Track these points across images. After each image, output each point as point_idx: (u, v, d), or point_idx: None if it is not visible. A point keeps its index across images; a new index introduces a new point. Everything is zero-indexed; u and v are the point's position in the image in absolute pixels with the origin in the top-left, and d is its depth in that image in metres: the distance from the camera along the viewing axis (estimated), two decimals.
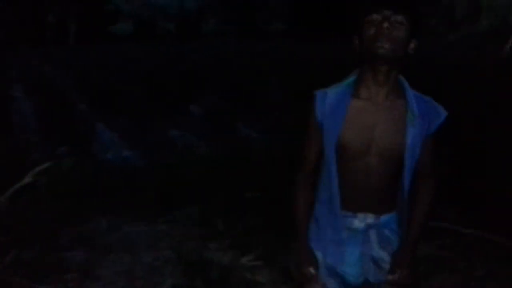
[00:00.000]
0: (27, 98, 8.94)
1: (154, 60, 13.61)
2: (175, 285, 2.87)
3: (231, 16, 25.12)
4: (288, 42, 17.78)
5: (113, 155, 5.66)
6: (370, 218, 1.64)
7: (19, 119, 7.37)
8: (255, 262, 3.07)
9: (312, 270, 1.69)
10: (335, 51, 12.19)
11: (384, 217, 1.65)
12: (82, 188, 3.97)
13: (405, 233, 1.67)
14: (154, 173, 4.55)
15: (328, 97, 1.58)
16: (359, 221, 1.64)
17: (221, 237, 3.37)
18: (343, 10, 19.68)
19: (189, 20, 24.97)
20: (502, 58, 9.47)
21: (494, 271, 2.95)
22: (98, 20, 22.43)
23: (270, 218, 3.39)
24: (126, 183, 4.27)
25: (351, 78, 1.60)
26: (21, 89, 9.82)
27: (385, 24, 1.42)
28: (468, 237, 3.27)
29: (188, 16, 25.47)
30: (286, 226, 2.15)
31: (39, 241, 3.27)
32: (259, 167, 4.19)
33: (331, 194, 1.64)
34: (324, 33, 17.80)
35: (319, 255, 1.71)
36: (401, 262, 1.67)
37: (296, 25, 22.13)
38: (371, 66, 1.49)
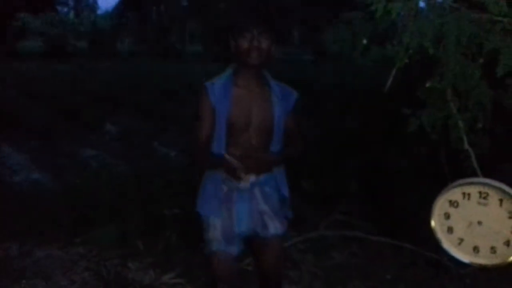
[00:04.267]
0: None
1: (64, 78, 13.08)
2: None
3: (145, 36, 24.83)
4: (202, 63, 17.86)
5: (22, 178, 5.36)
6: (252, 178, 2.08)
7: None
8: (176, 280, 3.05)
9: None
10: None
11: (263, 177, 2.11)
12: None
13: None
14: (67, 195, 4.36)
15: (216, 86, 2.05)
16: (244, 182, 2.07)
17: (141, 256, 3.31)
18: None
19: (102, 39, 24.28)
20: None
21: (403, 274, 3.16)
22: (4, 38, 21.14)
23: (189, 236, 3.39)
24: (37, 206, 4.06)
25: (229, 71, 2.11)
26: None
27: (255, 43, 1.97)
28: (378, 244, 3.48)
29: (101, 35, 24.78)
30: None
31: None
32: (177, 185, 4.18)
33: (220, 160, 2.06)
34: None
35: (215, 221, 2.10)
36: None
37: (211, 47, 22.32)
38: (244, 68, 2.06)
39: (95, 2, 44.20)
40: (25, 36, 24.25)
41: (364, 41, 2.29)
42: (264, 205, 2.13)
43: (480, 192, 1.56)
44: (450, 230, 1.61)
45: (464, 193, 1.59)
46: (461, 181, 1.60)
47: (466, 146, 1.74)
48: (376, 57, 2.24)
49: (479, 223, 1.56)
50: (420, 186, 3.48)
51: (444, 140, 1.99)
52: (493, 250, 1.54)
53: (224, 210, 2.10)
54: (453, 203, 1.61)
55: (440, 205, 1.63)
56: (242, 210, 2.10)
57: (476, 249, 1.57)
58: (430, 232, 1.66)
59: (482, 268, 1.61)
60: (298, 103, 2.21)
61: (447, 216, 1.62)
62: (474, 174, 1.70)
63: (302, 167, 4.64)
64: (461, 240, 1.59)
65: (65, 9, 36.95)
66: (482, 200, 1.56)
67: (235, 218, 2.10)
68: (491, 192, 1.54)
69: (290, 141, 2.20)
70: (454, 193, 1.61)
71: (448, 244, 1.61)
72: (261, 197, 2.12)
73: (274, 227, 2.16)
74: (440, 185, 1.66)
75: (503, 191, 1.52)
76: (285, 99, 2.14)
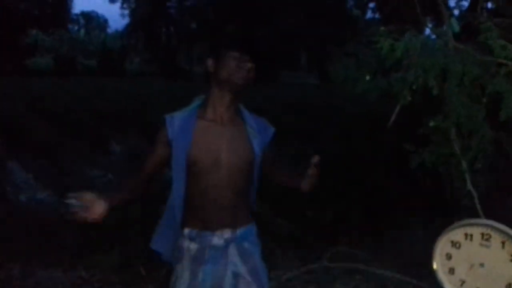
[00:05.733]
0: None
1: (73, 96, 13.21)
2: None
3: (154, 56, 25.12)
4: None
5: (27, 197, 5.39)
6: (227, 234, 1.76)
7: None
8: None
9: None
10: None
11: (240, 231, 1.80)
12: None
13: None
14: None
15: (176, 120, 1.76)
16: (218, 238, 1.75)
17: (143, 282, 3.31)
18: (258, 57, 20.48)
19: (111, 58, 24.60)
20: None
21: None
22: (15, 53, 21.43)
23: None
24: (41, 226, 4.08)
25: (196, 103, 1.83)
26: None
27: (242, 64, 1.74)
28: (382, 277, 3.46)
29: (110, 54, 25.10)
30: None
31: None
32: None
33: (175, 213, 1.78)
34: None
35: (185, 274, 1.76)
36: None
37: None
38: (222, 90, 1.77)
39: (106, 22, 44.86)
40: (35, 53, 24.57)
41: (368, 77, 2.33)
42: (242, 266, 1.77)
43: (482, 234, 1.57)
44: (451, 271, 1.62)
45: (466, 234, 1.60)
46: (463, 221, 1.61)
47: (469, 186, 1.76)
48: (379, 92, 2.27)
49: (481, 265, 1.57)
50: (426, 220, 3.48)
51: (449, 176, 2.01)
52: None
53: (191, 273, 1.76)
54: (455, 244, 1.61)
55: (442, 245, 1.63)
56: (209, 273, 1.75)
57: None
58: None
59: None
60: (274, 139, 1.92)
61: (449, 256, 1.62)
62: (477, 215, 1.72)
63: (306, 195, 4.65)
64: (463, 282, 1.60)
65: (76, 28, 37.53)
66: (484, 242, 1.56)
67: (200, 282, 1.74)
68: (493, 234, 1.55)
69: (271, 177, 1.95)
70: (456, 233, 1.61)
71: (449, 286, 1.61)
72: (238, 257, 1.77)
73: None
74: (445, 220, 1.66)
75: (506, 234, 1.52)
76: (262, 132, 1.86)
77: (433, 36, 2.30)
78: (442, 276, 1.63)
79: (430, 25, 2.40)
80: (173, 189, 1.78)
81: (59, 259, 3.57)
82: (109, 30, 41.08)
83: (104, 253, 3.58)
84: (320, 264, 3.56)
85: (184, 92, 14.86)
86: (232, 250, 1.77)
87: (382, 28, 2.22)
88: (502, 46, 1.70)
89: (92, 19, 44.00)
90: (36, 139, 7.87)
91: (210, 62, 1.79)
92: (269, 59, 20.97)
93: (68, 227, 4.01)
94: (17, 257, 3.55)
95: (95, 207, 1.67)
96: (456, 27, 2.17)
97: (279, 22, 19.68)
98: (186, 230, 1.78)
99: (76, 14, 40.16)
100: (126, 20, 28.32)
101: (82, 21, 42.62)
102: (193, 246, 1.76)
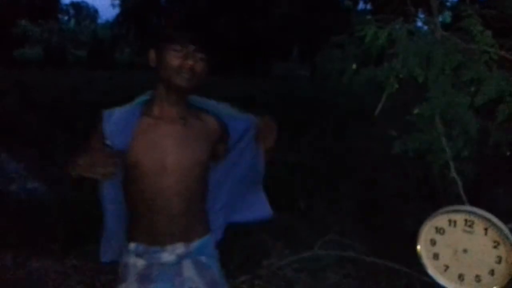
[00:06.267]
0: None
1: (63, 87, 13.14)
2: None
3: (144, 47, 24.95)
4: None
5: (18, 186, 5.38)
6: (179, 248, 1.53)
7: None
8: None
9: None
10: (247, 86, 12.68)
11: (195, 244, 1.56)
12: None
13: None
14: (63, 206, 4.39)
15: (115, 116, 1.52)
16: (169, 254, 1.52)
17: None
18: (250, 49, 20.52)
19: (101, 48, 24.44)
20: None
21: None
22: (3, 44, 21.23)
23: None
24: (33, 216, 4.09)
25: (142, 98, 1.58)
26: None
27: (190, 61, 1.47)
28: (372, 265, 3.50)
29: (101, 44, 24.94)
30: None
31: None
32: None
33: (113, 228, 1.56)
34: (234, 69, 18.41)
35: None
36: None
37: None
38: (166, 89, 1.52)
39: (96, 12, 44.47)
40: (24, 44, 24.37)
41: (354, 66, 2.35)
42: (199, 280, 1.56)
43: (466, 220, 1.60)
44: (435, 256, 1.65)
45: (450, 220, 1.62)
46: (447, 208, 1.64)
47: (453, 173, 1.79)
48: (365, 81, 2.29)
49: (465, 251, 1.60)
50: (415, 208, 3.52)
51: (435, 164, 2.03)
52: (478, 278, 1.57)
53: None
54: (439, 230, 1.65)
55: (427, 231, 1.66)
56: None
57: (461, 277, 1.60)
58: None
59: None
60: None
61: (433, 242, 1.66)
62: (461, 201, 1.75)
63: (297, 186, 4.69)
64: (447, 267, 1.63)
65: (66, 18, 37.15)
66: (467, 228, 1.59)
67: None
68: (476, 221, 1.57)
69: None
70: (440, 219, 1.64)
71: (433, 271, 1.65)
72: (194, 272, 1.55)
73: None
74: (435, 208, 1.69)
75: (489, 220, 1.55)
76: (232, 127, 1.64)
77: (425, 27, 2.32)
78: (426, 261, 1.66)
79: (421, 16, 2.42)
80: (104, 195, 1.54)
81: (51, 249, 3.59)
82: (100, 21, 40.79)
83: (96, 242, 3.59)
84: (311, 252, 3.60)
85: None
86: (187, 265, 1.55)
87: (368, 17, 2.23)
88: (481, 32, 1.73)
89: (82, 9, 43.56)
90: (26, 129, 7.84)
91: (151, 55, 1.55)
92: (263, 51, 20.97)
93: (60, 216, 4.03)
94: (9, 247, 3.57)
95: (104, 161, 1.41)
96: (448, 18, 2.19)
97: (274, 13, 19.63)
98: (132, 245, 1.55)
99: (66, 4, 39.78)
100: (116, 10, 28.20)
101: (72, 11, 42.18)
102: (141, 262, 1.54)
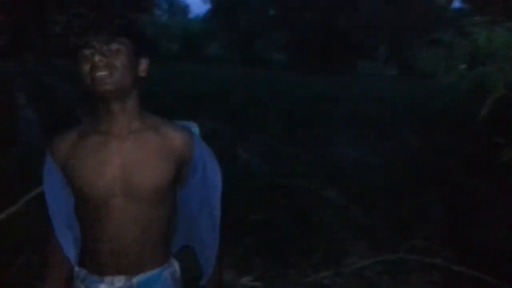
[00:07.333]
0: (31, 107, 9.06)
1: (155, 80, 13.77)
2: None
3: (233, 42, 25.52)
4: (287, 73, 18.08)
5: None
6: (119, 282, 1.34)
7: (25, 127, 7.46)
8: (254, 283, 3.16)
9: None
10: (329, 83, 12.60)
11: (139, 278, 1.35)
12: None
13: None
14: None
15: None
16: (106, 286, 1.34)
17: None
18: (336, 47, 20.31)
19: (191, 42, 25.34)
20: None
21: None
22: None
23: (266, 241, 3.53)
24: None
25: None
26: (24, 98, 9.92)
27: (97, 58, 1.21)
28: (459, 275, 3.38)
29: (191, 38, 25.85)
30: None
31: None
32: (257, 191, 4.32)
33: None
34: (319, 67, 18.36)
35: None
36: None
37: (295, 57, 22.55)
38: (96, 99, 1.28)
39: (188, 7, 46.15)
40: None
41: (463, 66, 2.29)
42: None
43: None
44: None
45: None
46: None
47: None
48: (471, 83, 2.22)
49: None
50: (510, 220, 3.35)
51: None
52: None
53: None
54: None
55: None
56: None
57: None
58: None
59: None
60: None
61: None
62: None
63: (381, 186, 4.63)
64: None
65: (159, 12, 38.80)
66: None
67: None
68: None
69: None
70: None
71: None
72: None
73: None
74: None
75: None
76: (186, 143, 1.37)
77: None
78: None
79: None
80: (50, 212, 1.38)
81: None
82: (190, 15, 42.28)
83: None
84: (396, 255, 3.54)
85: (261, 78, 15.08)
86: None
87: (477, 18, 2.17)
88: None
89: (174, 4, 45.33)
90: None
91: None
92: (348, 49, 20.70)
93: None
94: None
95: None
96: None
97: (362, 11, 19.34)
98: (77, 269, 1.40)
99: None
100: (207, 6, 28.99)
101: (165, 6, 43.99)
102: None
